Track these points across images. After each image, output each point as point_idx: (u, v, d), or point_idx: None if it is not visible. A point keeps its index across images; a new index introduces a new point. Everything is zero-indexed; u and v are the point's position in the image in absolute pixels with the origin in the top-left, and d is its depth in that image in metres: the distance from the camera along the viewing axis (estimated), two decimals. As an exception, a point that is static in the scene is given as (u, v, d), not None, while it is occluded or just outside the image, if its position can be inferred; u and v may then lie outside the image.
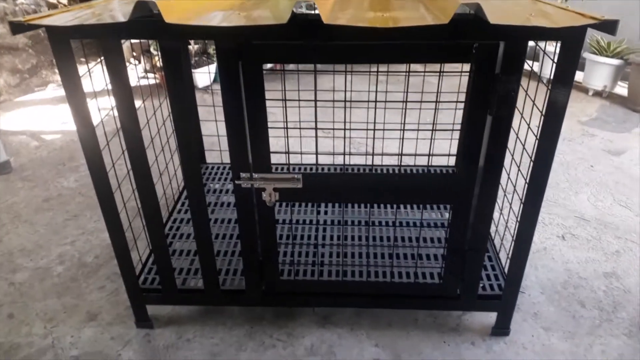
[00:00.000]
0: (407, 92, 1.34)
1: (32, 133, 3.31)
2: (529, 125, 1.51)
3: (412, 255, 1.82)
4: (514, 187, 1.72)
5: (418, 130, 1.76)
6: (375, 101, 1.51)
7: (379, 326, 1.76)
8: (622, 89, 4.54)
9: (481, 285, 1.68)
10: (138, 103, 1.32)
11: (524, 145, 1.58)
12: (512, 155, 1.62)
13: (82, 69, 1.28)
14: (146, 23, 1.15)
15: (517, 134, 1.59)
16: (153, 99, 2.01)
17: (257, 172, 1.41)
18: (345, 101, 1.43)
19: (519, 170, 1.66)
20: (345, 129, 1.64)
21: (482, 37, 1.18)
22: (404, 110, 1.36)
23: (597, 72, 4.44)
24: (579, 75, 4.72)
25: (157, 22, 1.07)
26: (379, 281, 1.69)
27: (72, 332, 1.74)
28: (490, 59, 1.23)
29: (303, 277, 1.72)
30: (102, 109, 1.52)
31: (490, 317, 1.73)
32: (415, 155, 1.86)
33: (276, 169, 2.43)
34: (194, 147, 1.40)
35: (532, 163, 1.35)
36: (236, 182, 1.43)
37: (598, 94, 4.47)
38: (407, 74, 1.30)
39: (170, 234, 1.98)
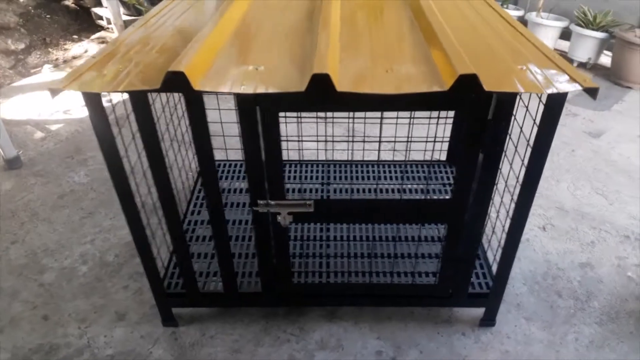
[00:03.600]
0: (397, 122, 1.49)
1: (36, 123, 3.39)
2: (515, 145, 1.68)
3: (410, 254, 2.01)
4: (501, 199, 1.90)
5: (412, 120, 1.92)
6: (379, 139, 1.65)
7: (379, 319, 1.98)
8: (606, 59, 4.66)
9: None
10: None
11: (511, 167, 1.75)
12: (503, 176, 1.79)
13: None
14: (174, 83, 1.25)
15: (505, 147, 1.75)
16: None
17: (273, 199, 1.57)
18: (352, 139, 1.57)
19: (505, 186, 1.84)
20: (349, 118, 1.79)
21: (478, 90, 1.31)
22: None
23: (582, 44, 4.55)
24: (564, 46, 4.83)
25: (184, 82, 1.18)
26: (380, 283, 1.90)
27: (105, 332, 1.93)
28: (483, 107, 1.37)
29: (312, 279, 1.92)
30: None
31: (479, 309, 1.95)
32: (409, 150, 2.03)
33: (290, 165, 2.57)
34: (211, 154, 1.52)
35: (519, 187, 1.53)
36: (254, 208, 1.59)
37: (582, 65, 4.60)
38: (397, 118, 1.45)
39: (187, 237, 2.14)
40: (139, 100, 1.35)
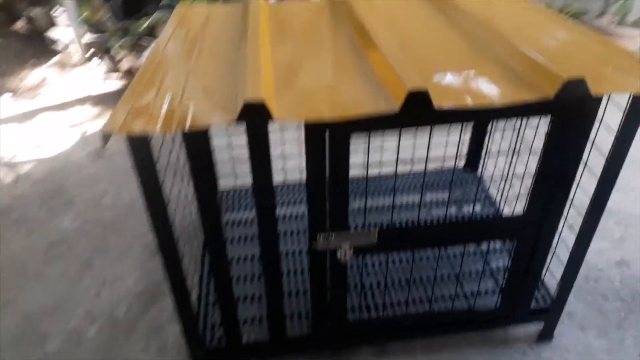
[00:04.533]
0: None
1: (5, 163, 3.03)
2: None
3: (477, 272, 1.91)
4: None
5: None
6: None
7: (433, 349, 1.84)
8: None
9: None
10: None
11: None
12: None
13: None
14: (247, 114, 1.07)
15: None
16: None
17: (334, 230, 1.40)
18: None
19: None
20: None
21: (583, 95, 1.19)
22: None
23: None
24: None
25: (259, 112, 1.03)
26: (441, 311, 1.76)
27: (135, 401, 1.69)
28: (569, 112, 1.28)
29: (368, 314, 1.76)
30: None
31: (534, 324, 1.86)
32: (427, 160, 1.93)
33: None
34: (271, 187, 1.34)
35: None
36: (313, 244, 1.41)
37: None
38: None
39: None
40: (197, 136, 1.16)
